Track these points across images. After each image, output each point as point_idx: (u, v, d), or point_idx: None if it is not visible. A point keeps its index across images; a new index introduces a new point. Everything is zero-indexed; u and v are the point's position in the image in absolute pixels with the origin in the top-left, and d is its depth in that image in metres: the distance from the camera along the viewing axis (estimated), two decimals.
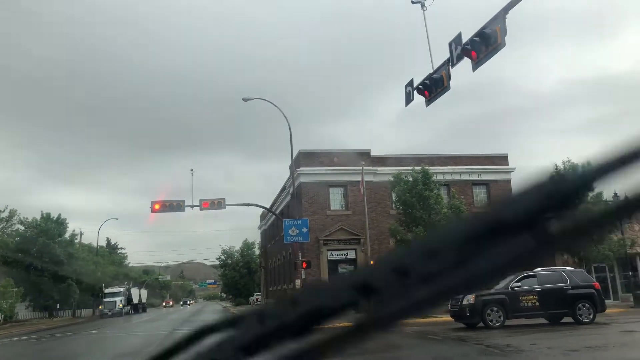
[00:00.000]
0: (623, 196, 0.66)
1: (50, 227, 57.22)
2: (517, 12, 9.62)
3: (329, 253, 30.06)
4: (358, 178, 28.83)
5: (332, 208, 30.81)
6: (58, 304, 58.29)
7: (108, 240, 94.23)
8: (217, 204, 29.30)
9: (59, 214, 59.79)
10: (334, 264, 30.05)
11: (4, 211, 79.05)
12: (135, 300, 61.50)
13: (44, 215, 58.78)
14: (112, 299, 52.50)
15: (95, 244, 73.32)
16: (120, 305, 52.47)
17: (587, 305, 17.99)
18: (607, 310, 19.86)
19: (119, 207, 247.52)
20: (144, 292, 71.90)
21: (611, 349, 11.34)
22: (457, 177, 32.53)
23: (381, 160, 31.78)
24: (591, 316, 17.87)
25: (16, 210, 73.42)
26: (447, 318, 20.92)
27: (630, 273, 29.78)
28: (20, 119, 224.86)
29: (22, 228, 61.28)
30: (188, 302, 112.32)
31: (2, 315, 45.11)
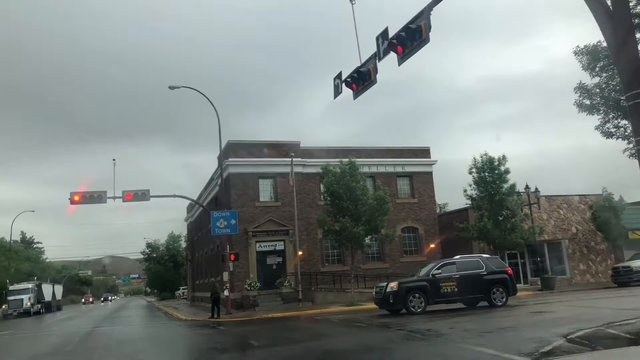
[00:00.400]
0: None
1: None
2: (442, 10, 9.93)
3: (257, 245, 29.83)
4: (287, 169, 28.78)
5: (261, 199, 30.57)
6: None
7: (23, 234, 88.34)
8: (141, 195, 28.13)
9: None
10: (262, 256, 29.89)
11: None
12: (48, 298, 54.88)
13: None
14: (17, 297, 46.22)
15: (7, 239, 68.44)
16: (29, 303, 46.35)
17: (500, 289, 19.09)
18: (518, 294, 21.20)
19: (36, 198, 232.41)
20: (59, 288, 64.49)
21: (521, 329, 12.09)
22: (382, 169, 33.33)
23: (310, 152, 31.91)
24: (504, 299, 18.98)
25: None
26: (372, 305, 21.49)
27: (538, 259, 31.94)
28: None
29: None
30: (110, 298, 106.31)
31: None
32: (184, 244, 72.17)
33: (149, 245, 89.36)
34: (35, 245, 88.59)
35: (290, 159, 28.30)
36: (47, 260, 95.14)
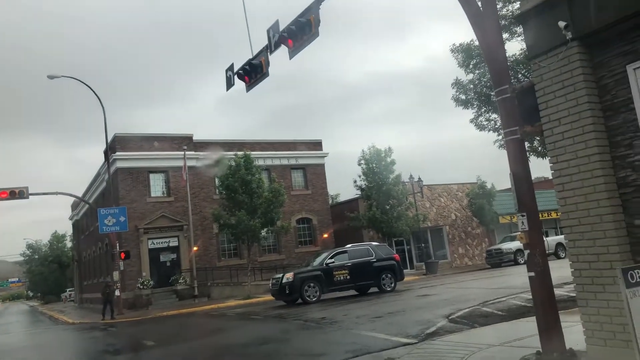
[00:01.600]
0: None
1: None
2: (331, 6, 9.94)
3: (149, 242, 28.37)
4: (180, 163, 27.64)
5: (152, 195, 29.06)
6: None
7: None
8: (19, 193, 25.44)
9: None
10: (155, 253, 28.48)
11: None
12: None
13: None
14: None
15: None
16: None
17: (389, 275, 19.86)
18: (405, 279, 22.24)
19: None
20: None
21: (409, 313, 12.63)
22: (277, 162, 33.24)
23: (204, 145, 30.89)
24: (393, 285, 19.79)
25: None
26: (269, 297, 21.37)
27: (422, 245, 33.83)
28: None
29: None
30: None
31: None
32: (69, 244, 66.92)
33: (29, 247, 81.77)
34: None
35: (182, 152, 27.21)
36: None
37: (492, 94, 7.75)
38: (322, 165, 35.39)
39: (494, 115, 14.50)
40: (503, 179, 40.47)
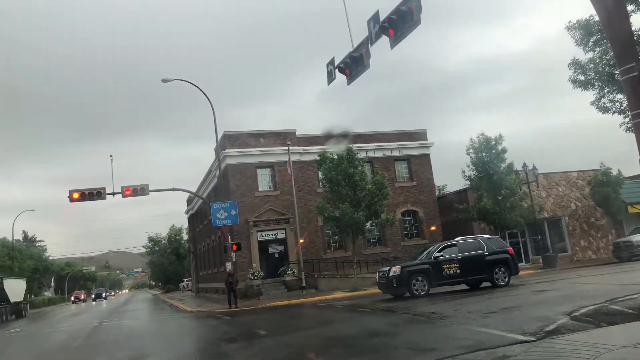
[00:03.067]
0: None
1: None
2: None
3: (259, 234, 29.86)
4: (285, 158, 28.68)
5: (260, 189, 30.54)
6: None
7: (25, 233, 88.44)
8: (140, 190, 28.01)
9: None
10: (264, 245, 29.94)
11: None
12: (17, 298, 38.99)
13: None
14: None
15: (10, 238, 68.52)
16: None
17: (502, 269, 19.09)
18: (520, 273, 21.23)
19: (36, 198, 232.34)
20: (20, 284, 41.77)
21: (525, 309, 12.10)
22: (379, 154, 33.25)
23: (307, 140, 31.81)
24: (507, 279, 19.00)
25: None
26: (375, 290, 21.55)
27: (539, 237, 32.00)
28: None
29: None
30: (104, 295, 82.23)
31: None
32: (185, 237, 72.33)
33: (151, 239, 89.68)
34: (37, 244, 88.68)
35: (287, 148, 28.20)
36: (50, 258, 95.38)
37: (617, 72, 7.20)
38: (427, 156, 34.77)
39: (619, 96, 13.37)
40: (631, 166, 36.93)
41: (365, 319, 14.25)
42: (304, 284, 27.24)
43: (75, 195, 27.05)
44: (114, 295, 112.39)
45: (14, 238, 70.52)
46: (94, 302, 67.99)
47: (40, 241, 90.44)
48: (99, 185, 27.66)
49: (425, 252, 19.85)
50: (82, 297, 78.84)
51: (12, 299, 37.91)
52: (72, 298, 77.77)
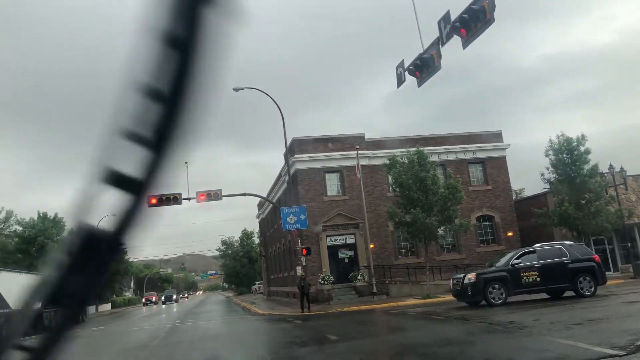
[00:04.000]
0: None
1: (47, 227, 57.11)
2: None
3: (328, 239, 30.08)
4: (353, 163, 28.74)
5: (329, 194, 30.78)
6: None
7: None
8: (214, 195, 29.19)
9: (56, 213, 59.67)
10: (333, 250, 30.10)
11: (0, 212, 78.62)
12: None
13: (41, 215, 58.64)
14: None
15: None
16: None
17: (587, 278, 18.06)
18: (608, 282, 19.96)
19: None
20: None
21: (613, 321, 11.40)
22: (452, 157, 32.50)
23: (376, 144, 31.70)
24: (592, 289, 17.95)
25: (12, 211, 73.25)
26: (449, 298, 21.08)
27: (629, 244, 29.93)
28: (19, 120, 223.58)
29: (20, 229, 61.18)
30: (174, 297, 73.84)
31: None
32: (257, 240, 74.14)
33: (224, 243, 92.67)
34: (123, 258, 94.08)
35: (355, 152, 28.25)
36: (130, 260, 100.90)
37: None
38: (503, 158, 33.59)
39: None
40: None
41: (439, 327, 13.98)
42: (374, 290, 27.12)
43: (153, 201, 28.49)
44: (187, 297, 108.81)
45: None
46: (163, 306, 61.04)
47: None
48: (174, 190, 29.05)
49: (503, 259, 19.18)
50: (154, 299, 75.44)
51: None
52: (143, 300, 75.03)
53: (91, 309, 61.55)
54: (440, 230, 26.17)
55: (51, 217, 58.51)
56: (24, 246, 55.62)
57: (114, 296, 74.73)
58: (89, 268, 0.76)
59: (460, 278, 18.75)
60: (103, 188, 0.72)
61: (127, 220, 0.76)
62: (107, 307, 67.24)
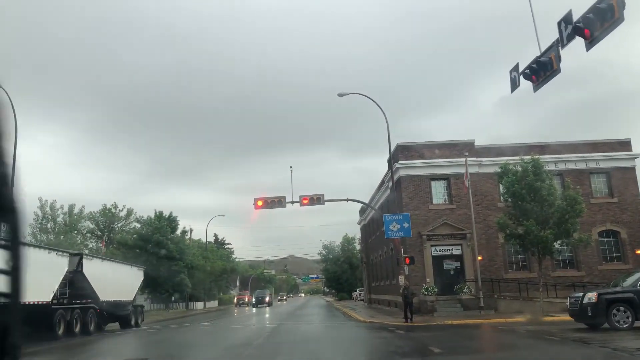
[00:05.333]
0: None
1: (163, 225, 61.85)
2: None
3: (432, 249, 29.55)
4: (461, 170, 28.02)
5: (434, 202, 30.24)
6: (173, 297, 63.06)
7: (216, 236, 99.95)
8: (317, 199, 29.93)
9: (171, 212, 64.46)
10: (438, 260, 29.49)
11: (122, 210, 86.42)
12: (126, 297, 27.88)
13: (157, 213, 63.68)
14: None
15: (204, 240, 78.34)
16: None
17: None
18: None
19: (225, 204, 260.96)
20: (129, 275, 29.27)
21: None
22: (571, 166, 30.45)
23: (486, 151, 30.62)
24: None
25: (133, 209, 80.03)
26: (565, 317, 19.82)
27: None
28: (138, 124, 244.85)
29: (139, 226, 66.91)
30: (266, 299, 63.98)
31: None
32: (358, 246, 74.57)
33: (325, 247, 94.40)
34: (226, 246, 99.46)
35: (464, 159, 27.50)
36: (236, 260, 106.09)
37: None
38: (631, 169, 30.87)
39: None
40: None
41: (554, 349, 13.25)
42: (481, 304, 26.19)
43: (259, 203, 29.95)
44: (285, 299, 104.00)
45: (207, 240, 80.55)
46: (254, 309, 53.88)
47: (228, 244, 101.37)
48: (278, 194, 30.26)
49: (630, 279, 17.67)
50: (246, 299, 70.03)
51: (110, 296, 25.10)
52: (235, 300, 70.03)
53: (199, 304, 65.69)
54: (557, 245, 24.61)
55: (166, 216, 63.34)
56: (141, 243, 60.66)
57: (221, 293, 79.11)
58: None
59: (579, 297, 17.56)
60: None
61: None
62: (214, 303, 71.29)
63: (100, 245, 70.99)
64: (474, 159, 29.52)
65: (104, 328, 26.24)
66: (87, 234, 75.21)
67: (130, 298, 29.40)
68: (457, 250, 29.50)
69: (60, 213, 60.31)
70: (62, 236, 47.05)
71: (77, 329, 22.31)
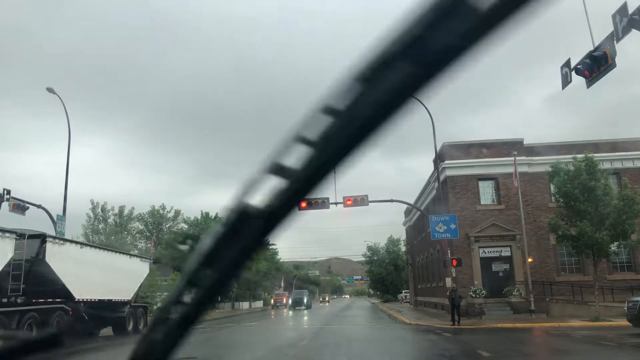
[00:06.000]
0: None
1: (209, 225, 63.22)
2: None
3: (480, 250, 28.97)
4: (510, 170, 27.39)
5: (482, 202, 29.66)
6: (219, 297, 64.27)
7: None
8: (360, 200, 29.83)
9: (216, 213, 65.86)
10: (486, 262, 28.89)
11: (169, 211, 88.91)
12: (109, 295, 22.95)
13: (204, 214, 65.18)
14: None
15: None
16: None
17: None
18: None
19: None
20: (131, 267, 24.06)
21: None
22: (629, 165, 29.19)
23: (536, 150, 29.76)
24: None
25: (180, 210, 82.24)
26: (623, 322, 19.08)
27: None
28: (181, 127, 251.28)
29: (186, 227, 68.70)
30: (305, 301, 56.79)
31: None
32: (403, 248, 73.97)
33: (369, 248, 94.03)
34: (270, 247, 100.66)
35: (512, 158, 26.87)
36: (281, 260, 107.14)
37: None
38: None
39: None
40: None
41: (611, 354, 12.82)
42: (532, 307, 25.52)
43: (303, 204, 29.96)
44: (327, 301, 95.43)
45: None
46: (291, 312, 48.63)
47: (272, 245, 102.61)
48: (322, 194, 30.28)
49: None
50: (284, 300, 66.27)
51: (94, 294, 20.32)
52: (272, 301, 65.88)
53: (244, 305, 66.81)
54: (613, 247, 23.70)
55: (212, 217, 64.74)
56: (189, 243, 62.15)
57: (266, 294, 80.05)
58: (240, 241, 0.88)
59: (638, 301, 16.89)
60: (265, 176, 0.83)
61: (280, 206, 0.86)
62: (259, 304, 72.31)
63: (149, 245, 73.31)
64: (523, 158, 28.78)
65: (97, 333, 21.54)
66: (137, 235, 77.78)
67: (127, 297, 22.90)
68: (506, 252, 28.83)
69: (111, 214, 62.61)
70: (113, 237, 48.76)
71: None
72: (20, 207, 27.30)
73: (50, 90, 28.59)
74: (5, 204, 26.20)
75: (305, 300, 55.36)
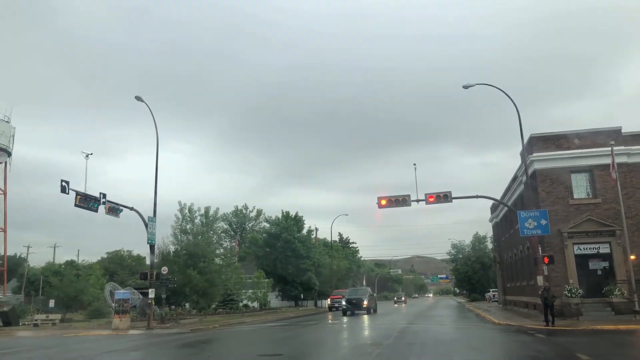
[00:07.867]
0: None
1: (290, 224, 64.52)
2: None
3: (575, 247, 27.43)
4: (606, 161, 25.75)
5: (575, 196, 28.06)
6: (302, 295, 65.56)
7: (340, 235, 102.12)
8: (443, 197, 29.21)
9: (297, 212, 67.11)
10: (582, 259, 27.30)
11: (252, 211, 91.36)
12: None
13: (284, 213, 66.57)
14: None
15: (329, 239, 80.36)
16: None
17: None
18: None
19: (348, 204, 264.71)
20: None
21: None
22: None
23: (637, 138, 27.74)
24: None
25: (262, 210, 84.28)
26: None
27: None
28: (263, 128, 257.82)
29: (268, 225, 70.48)
30: (364, 303, 41.64)
31: (258, 303, 52.70)
32: (490, 245, 71.62)
33: (454, 246, 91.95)
34: (350, 245, 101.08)
35: (609, 148, 25.22)
36: (362, 259, 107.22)
37: None
38: None
39: None
40: None
41: None
42: (636, 307, 23.85)
43: (383, 202, 29.97)
44: (404, 301, 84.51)
45: (332, 239, 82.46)
46: (344, 318, 36.92)
47: (352, 243, 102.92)
48: (402, 192, 30.01)
49: None
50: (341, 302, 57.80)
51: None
52: (329, 301, 58.03)
53: (327, 302, 67.59)
54: None
55: (292, 216, 65.99)
56: (271, 241, 63.87)
57: None
58: None
59: None
60: None
61: None
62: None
63: (234, 244, 76.01)
64: (622, 147, 26.92)
65: None
66: (222, 234, 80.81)
67: None
68: (604, 249, 27.11)
69: (197, 215, 65.60)
70: (200, 236, 51.09)
71: None
72: (113, 209, 29.41)
73: (138, 98, 30.39)
74: (101, 207, 28.48)
75: (365, 302, 41.94)
